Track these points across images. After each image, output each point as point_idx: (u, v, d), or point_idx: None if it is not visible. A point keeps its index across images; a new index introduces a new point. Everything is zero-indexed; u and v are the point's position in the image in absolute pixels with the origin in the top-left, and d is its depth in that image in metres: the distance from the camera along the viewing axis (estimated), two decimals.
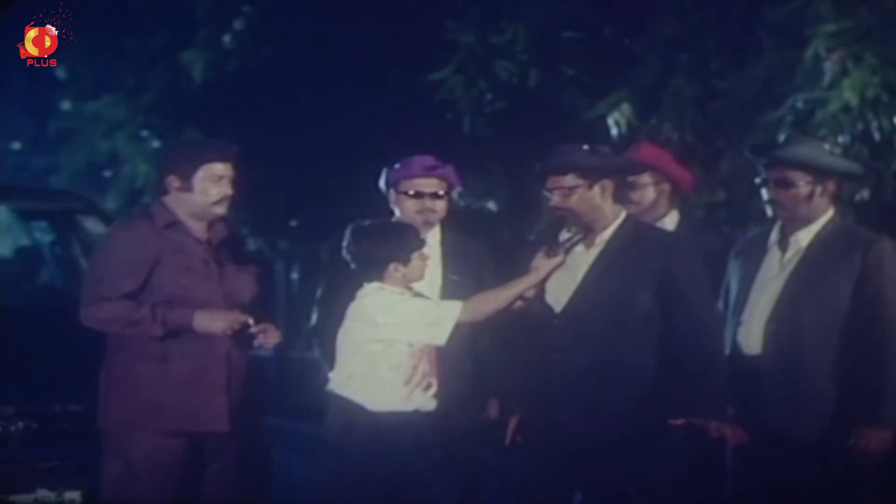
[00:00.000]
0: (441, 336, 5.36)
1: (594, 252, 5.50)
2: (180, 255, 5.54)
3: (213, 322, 5.47)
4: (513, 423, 5.65)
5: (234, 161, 5.65)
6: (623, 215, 5.56)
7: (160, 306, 5.45)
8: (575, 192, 5.47)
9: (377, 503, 5.38)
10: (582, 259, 5.50)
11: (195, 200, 5.57)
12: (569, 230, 5.55)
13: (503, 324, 5.54)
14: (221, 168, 5.59)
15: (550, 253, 5.45)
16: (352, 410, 5.37)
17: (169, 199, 5.61)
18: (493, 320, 5.48)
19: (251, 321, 5.54)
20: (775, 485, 5.50)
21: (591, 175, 5.48)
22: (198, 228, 5.60)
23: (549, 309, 5.48)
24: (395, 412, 5.36)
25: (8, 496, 6.31)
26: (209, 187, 5.56)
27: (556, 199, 5.51)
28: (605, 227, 5.52)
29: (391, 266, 5.38)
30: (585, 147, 5.56)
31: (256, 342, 5.59)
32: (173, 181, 5.58)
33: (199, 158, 5.58)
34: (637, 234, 5.54)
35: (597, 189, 5.48)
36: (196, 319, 5.45)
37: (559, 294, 5.49)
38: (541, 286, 5.47)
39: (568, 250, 5.48)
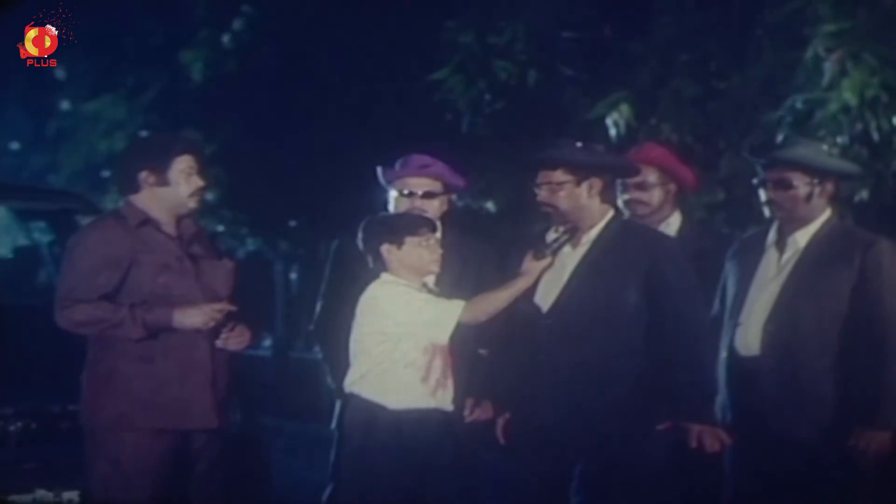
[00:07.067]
0: (442, 334, 5.36)
1: (580, 251, 5.50)
2: (156, 253, 5.51)
3: (193, 317, 5.44)
4: (500, 423, 5.65)
5: (200, 154, 5.67)
6: (610, 214, 5.55)
7: (139, 307, 5.42)
8: (563, 188, 5.47)
9: (400, 502, 5.36)
10: (569, 259, 5.50)
11: (171, 194, 5.55)
12: (556, 230, 5.56)
13: (493, 324, 5.55)
14: (192, 160, 5.59)
15: (538, 255, 5.44)
16: (371, 409, 5.35)
17: (139, 198, 5.57)
18: (490, 322, 5.47)
19: (231, 308, 5.51)
20: (774, 486, 5.49)
21: (581, 172, 5.47)
22: (169, 225, 5.59)
23: (537, 308, 5.48)
24: (416, 409, 5.34)
25: (6, 496, 6.31)
26: (183, 180, 5.55)
27: (543, 194, 5.52)
28: (591, 227, 5.51)
29: (383, 249, 5.39)
30: (579, 144, 5.56)
31: (219, 342, 5.54)
32: (147, 176, 5.54)
33: (172, 151, 5.57)
34: (624, 232, 5.53)
35: (584, 186, 5.48)
36: (175, 317, 5.42)
37: (546, 294, 5.48)
38: (530, 287, 5.47)
39: (555, 251, 5.47)
